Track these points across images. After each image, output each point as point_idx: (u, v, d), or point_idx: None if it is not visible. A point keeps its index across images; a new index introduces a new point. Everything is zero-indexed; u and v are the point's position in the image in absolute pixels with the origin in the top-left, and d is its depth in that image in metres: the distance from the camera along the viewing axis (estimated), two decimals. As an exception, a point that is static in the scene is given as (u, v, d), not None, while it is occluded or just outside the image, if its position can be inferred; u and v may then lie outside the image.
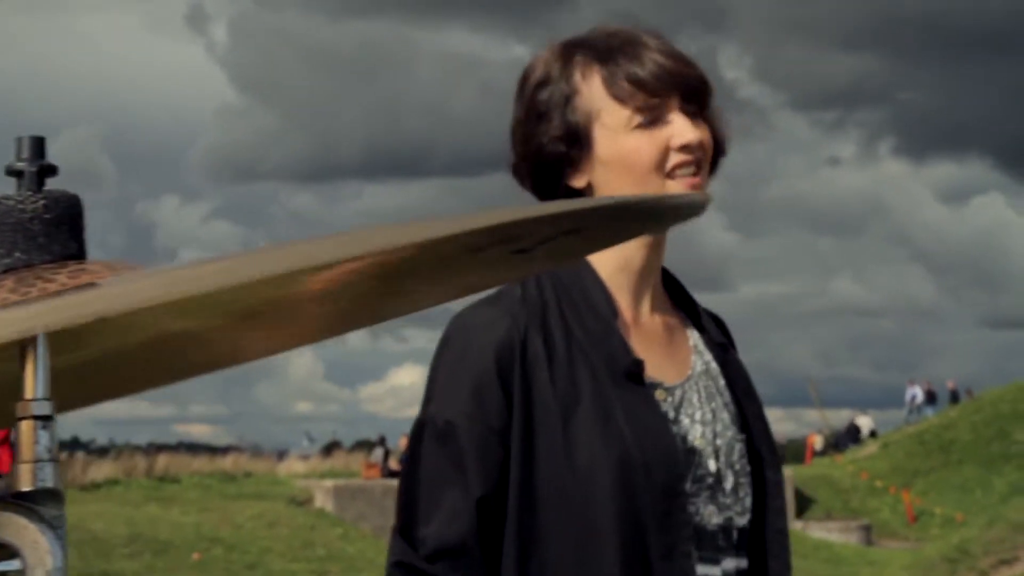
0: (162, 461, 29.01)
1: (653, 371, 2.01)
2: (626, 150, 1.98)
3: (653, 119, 1.99)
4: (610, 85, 1.99)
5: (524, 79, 2.06)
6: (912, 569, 21.49)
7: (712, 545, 1.98)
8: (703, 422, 2.03)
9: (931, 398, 50.23)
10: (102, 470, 27.45)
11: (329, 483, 28.22)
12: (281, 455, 43.01)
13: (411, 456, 1.96)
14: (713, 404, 2.07)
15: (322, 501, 27.10)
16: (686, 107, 2.01)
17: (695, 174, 2.00)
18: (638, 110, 1.98)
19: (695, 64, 2.04)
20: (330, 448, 45.43)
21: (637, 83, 1.97)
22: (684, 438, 1.99)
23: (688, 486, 1.96)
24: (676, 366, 2.07)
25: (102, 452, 33.46)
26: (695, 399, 2.05)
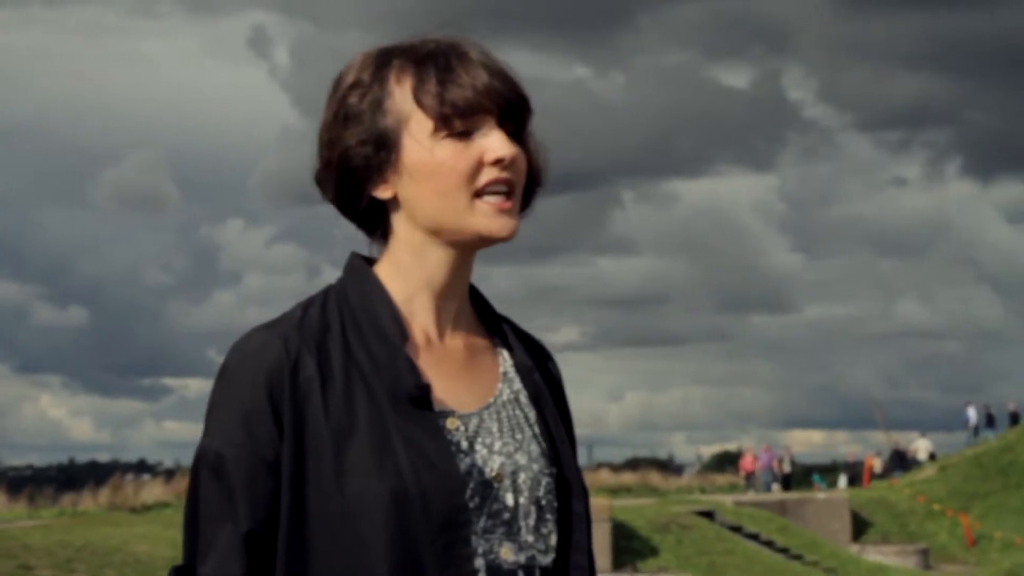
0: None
1: (446, 397, 1.88)
2: (434, 161, 1.86)
3: (464, 132, 1.86)
4: (421, 92, 1.87)
5: (337, 82, 1.94)
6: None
7: None
8: (503, 453, 1.89)
9: (990, 421, 49.74)
10: (153, 492, 27.63)
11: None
12: None
13: (189, 490, 1.86)
14: (519, 435, 1.93)
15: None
16: (502, 125, 1.89)
17: (507, 196, 1.88)
18: (447, 121, 1.85)
19: (516, 82, 1.92)
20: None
21: (449, 94, 1.86)
22: (481, 470, 1.85)
23: (482, 522, 1.83)
24: (477, 393, 1.93)
25: (168, 475, 33.74)
26: (494, 428, 1.91)
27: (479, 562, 1.81)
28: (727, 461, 67.37)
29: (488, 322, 2.03)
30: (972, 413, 50.00)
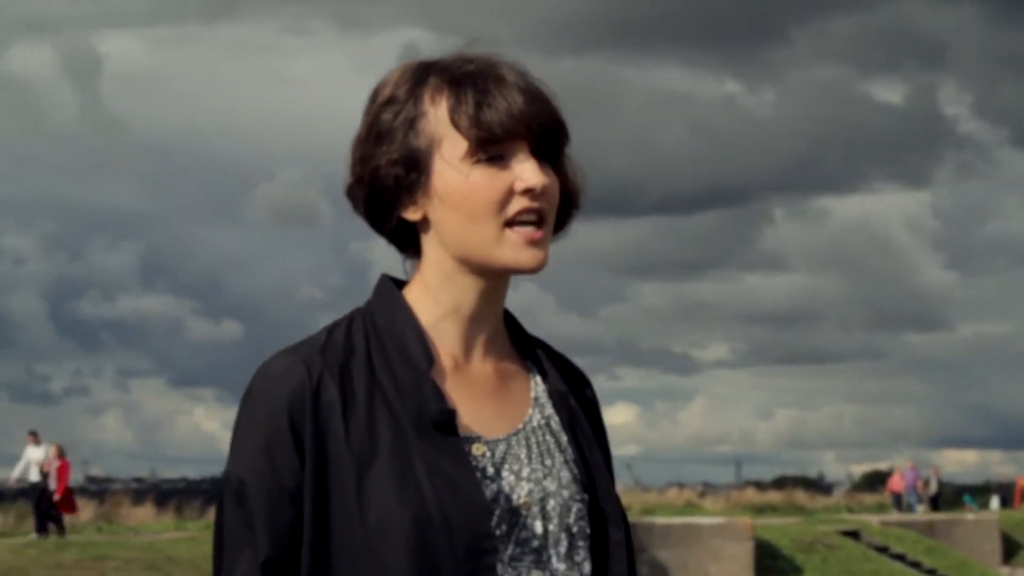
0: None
1: (473, 423, 1.85)
2: (464, 187, 1.82)
3: (498, 157, 1.83)
4: (456, 114, 1.83)
5: (372, 97, 1.91)
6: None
7: None
8: (531, 480, 1.84)
9: None
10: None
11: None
12: None
13: (217, 513, 1.85)
14: (548, 461, 1.88)
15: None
16: (537, 151, 1.85)
17: (537, 226, 1.84)
18: (481, 145, 1.82)
19: (553, 106, 1.87)
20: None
21: (485, 117, 1.82)
22: (508, 496, 1.81)
23: (510, 550, 1.79)
24: (506, 419, 1.89)
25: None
26: (523, 454, 1.86)
27: None
28: (877, 480, 66.25)
29: (522, 347, 1.99)
30: None
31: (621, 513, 1.91)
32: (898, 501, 42.84)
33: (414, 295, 1.91)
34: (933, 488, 44.12)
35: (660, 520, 31.51)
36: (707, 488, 50.09)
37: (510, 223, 1.83)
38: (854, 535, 33.21)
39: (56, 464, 24.25)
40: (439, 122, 1.84)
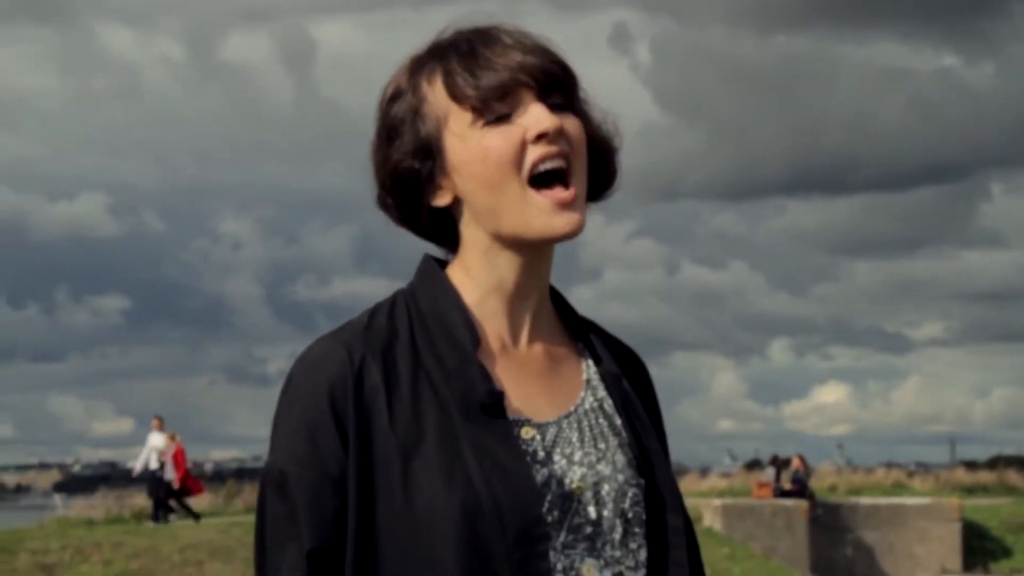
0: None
1: (522, 406, 1.78)
2: (478, 152, 1.76)
3: (504, 115, 1.76)
4: (451, 85, 1.77)
5: (380, 97, 1.86)
6: None
7: None
8: (584, 464, 1.78)
9: None
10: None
11: (718, 502, 28.10)
12: (704, 472, 43.81)
13: (258, 508, 1.80)
14: (602, 445, 1.81)
15: (711, 520, 27.03)
16: (546, 99, 1.77)
17: (565, 184, 1.77)
18: (484, 106, 1.76)
19: (553, 52, 1.80)
20: (752, 466, 45.80)
21: (480, 79, 1.76)
22: (560, 481, 1.75)
23: (562, 536, 1.73)
24: (556, 401, 1.83)
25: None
26: (574, 438, 1.80)
27: None
28: (1097, 460, 63.94)
29: (573, 328, 1.93)
30: None
31: (679, 499, 1.84)
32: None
33: (456, 276, 1.85)
34: None
35: (866, 500, 31.03)
36: (919, 468, 49.09)
37: (535, 182, 1.76)
38: (1068, 516, 32.18)
39: (172, 451, 24.34)
40: (439, 100, 1.79)
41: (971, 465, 48.40)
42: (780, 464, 31.44)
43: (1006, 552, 29.61)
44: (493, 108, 1.76)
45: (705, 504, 27.92)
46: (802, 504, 28.43)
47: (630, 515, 1.79)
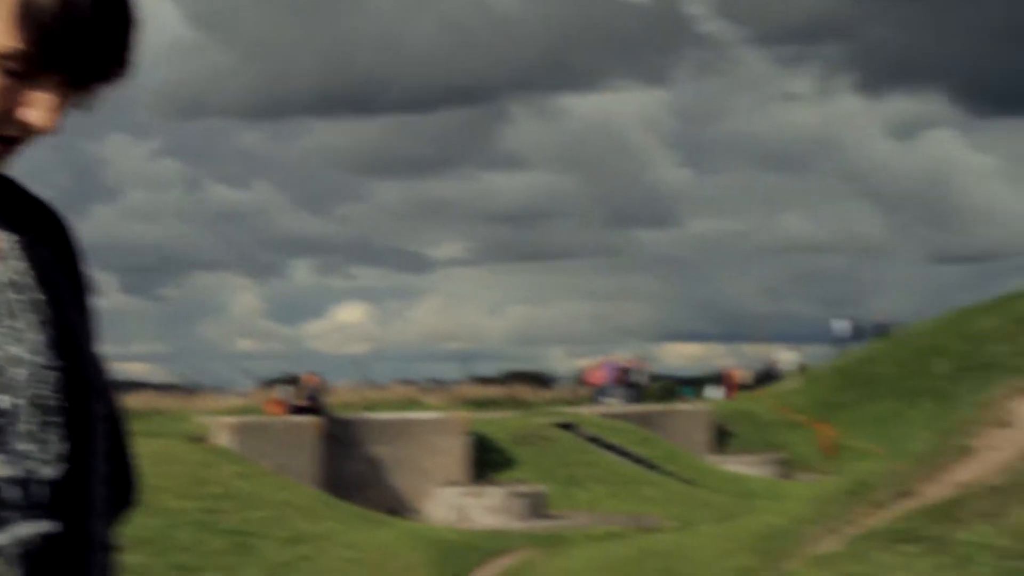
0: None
1: None
2: None
3: None
4: None
5: None
6: (812, 501, 21.40)
7: None
8: None
9: (859, 333, 50.70)
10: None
11: (231, 419, 27.95)
12: (221, 391, 43.53)
13: None
14: (16, 323, 1.62)
15: (224, 439, 26.78)
16: None
17: None
18: None
19: None
20: (269, 385, 45.85)
21: None
22: None
23: None
24: None
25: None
26: None
27: None
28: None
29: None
30: (840, 326, 50.87)
31: (104, 383, 1.67)
32: (603, 392, 43.61)
33: None
34: (644, 380, 45.06)
35: (377, 416, 31.55)
36: (433, 384, 50.34)
37: None
38: (569, 427, 33.85)
39: None
40: None
41: (484, 380, 50.05)
42: (295, 382, 31.62)
43: (511, 463, 30.78)
44: None
45: (217, 422, 27.70)
46: (315, 420, 28.71)
47: (51, 403, 1.60)
